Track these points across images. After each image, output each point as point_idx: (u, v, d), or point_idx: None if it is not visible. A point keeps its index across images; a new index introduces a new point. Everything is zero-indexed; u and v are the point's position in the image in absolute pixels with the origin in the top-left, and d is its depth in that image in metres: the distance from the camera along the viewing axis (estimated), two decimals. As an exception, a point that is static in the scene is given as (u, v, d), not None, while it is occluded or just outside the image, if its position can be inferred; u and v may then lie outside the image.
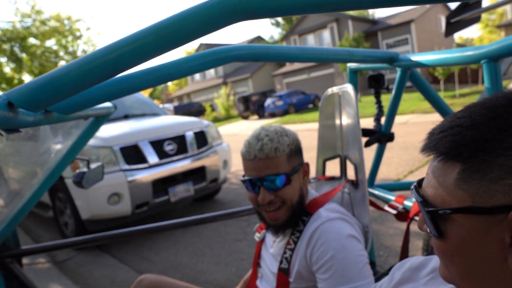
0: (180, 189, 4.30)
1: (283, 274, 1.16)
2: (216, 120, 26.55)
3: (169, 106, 27.47)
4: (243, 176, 1.19)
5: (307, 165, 1.23)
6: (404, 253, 1.39)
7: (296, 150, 1.19)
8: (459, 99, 13.80)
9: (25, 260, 1.69)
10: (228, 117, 28.08)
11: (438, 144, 0.51)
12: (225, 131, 17.45)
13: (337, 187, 1.32)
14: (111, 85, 0.84)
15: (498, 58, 1.26)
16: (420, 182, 0.58)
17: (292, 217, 1.17)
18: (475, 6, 1.55)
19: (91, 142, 3.79)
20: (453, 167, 0.49)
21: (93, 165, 1.56)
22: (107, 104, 1.36)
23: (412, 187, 0.58)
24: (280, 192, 1.14)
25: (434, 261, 0.71)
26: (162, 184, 4.19)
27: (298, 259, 1.14)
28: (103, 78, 0.59)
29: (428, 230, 0.54)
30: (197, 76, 39.12)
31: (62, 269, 3.67)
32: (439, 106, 1.74)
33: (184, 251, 3.77)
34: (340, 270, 1.05)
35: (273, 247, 1.27)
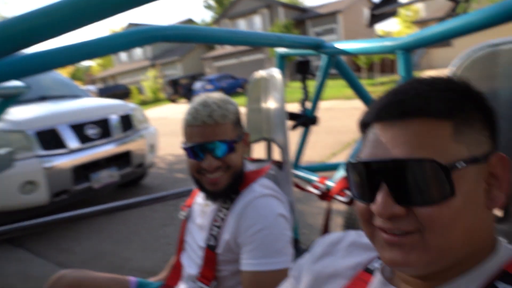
0: (104, 174, 4.09)
1: (210, 250, 1.18)
2: (143, 103, 25.52)
3: (92, 88, 25.78)
4: (185, 143, 1.18)
5: (247, 135, 1.26)
6: (325, 230, 1.48)
7: (239, 119, 1.22)
8: (379, 87, 14.80)
9: None
10: (155, 101, 27.15)
11: (426, 105, 0.52)
12: (153, 114, 16.88)
13: (266, 166, 1.36)
14: (21, 61, 0.76)
15: (411, 49, 1.38)
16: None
17: (232, 185, 1.19)
18: (394, 1, 1.66)
19: (0, 125, 3.43)
20: (445, 125, 0.51)
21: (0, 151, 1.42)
22: (17, 83, 1.24)
23: (394, 159, 0.52)
24: (226, 158, 1.15)
25: (352, 235, 0.76)
26: (84, 170, 3.95)
27: (227, 233, 1.15)
28: (9, 51, 0.53)
29: (422, 199, 0.50)
30: (123, 57, 37.14)
31: (-33, 265, 3.32)
32: (360, 92, 1.86)
33: (109, 239, 3.63)
34: (263, 244, 1.08)
35: (201, 217, 1.27)
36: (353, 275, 0.69)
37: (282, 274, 1.06)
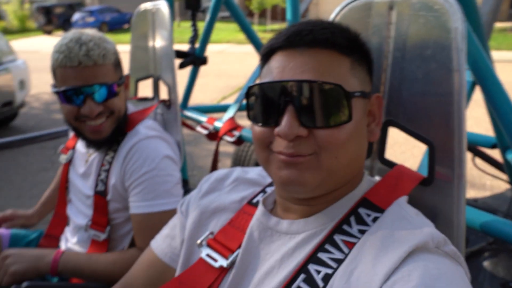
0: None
1: (100, 196, 1.12)
2: (7, 31, 21.76)
3: None
4: (56, 86, 1.03)
5: (128, 78, 1.17)
6: (214, 168, 1.52)
7: (119, 59, 1.11)
8: (270, 34, 15.06)
9: None
10: (23, 30, 23.43)
11: (332, 37, 0.56)
12: (21, 46, 14.66)
13: (152, 106, 1.30)
14: None
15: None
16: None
17: (116, 130, 1.11)
18: None
19: None
20: (344, 59, 0.57)
21: None
22: None
23: (304, 80, 0.55)
24: (109, 102, 1.05)
25: (237, 172, 0.79)
26: None
27: (114, 177, 1.10)
28: None
29: (325, 122, 0.54)
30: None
31: None
32: (250, 35, 1.86)
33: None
34: (150, 186, 1.07)
35: (85, 166, 1.18)
36: (238, 208, 0.73)
37: (171, 215, 1.07)
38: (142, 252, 0.89)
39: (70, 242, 1.20)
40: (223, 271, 0.66)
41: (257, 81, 0.60)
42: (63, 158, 1.27)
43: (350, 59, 0.57)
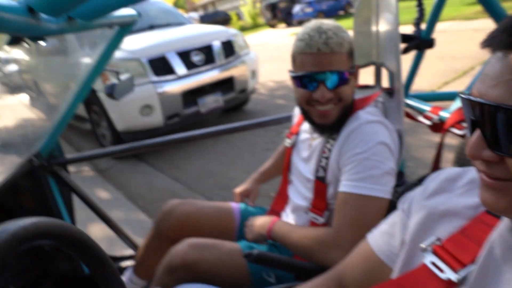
0: (209, 99, 4.33)
1: (320, 182, 1.18)
2: (243, 29, 25.56)
3: (195, 15, 26.47)
4: (294, 71, 1.13)
5: (358, 68, 1.17)
6: (436, 165, 1.38)
7: (352, 49, 1.13)
8: None
9: (71, 169, 1.83)
10: (255, 26, 26.96)
11: None
12: (252, 40, 16.87)
13: (374, 94, 1.27)
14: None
15: None
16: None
17: (342, 118, 1.14)
18: None
19: (119, 55, 3.77)
20: None
21: (122, 77, 1.56)
22: (131, 11, 1.30)
23: (486, 102, 0.45)
24: (339, 89, 1.09)
25: (471, 172, 0.69)
26: (191, 95, 4.22)
27: (333, 161, 1.14)
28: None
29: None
30: (222, -19, 36.90)
31: (104, 176, 3.95)
32: (491, 6, 1.57)
33: (216, 160, 3.93)
34: (358, 167, 1.05)
35: (308, 151, 1.26)
36: (474, 215, 0.63)
37: (373, 202, 1.04)
38: (335, 232, 1.00)
39: (289, 218, 1.32)
40: (451, 285, 0.59)
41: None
42: (288, 142, 1.38)
43: None
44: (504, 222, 0.56)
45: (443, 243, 0.62)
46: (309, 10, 20.85)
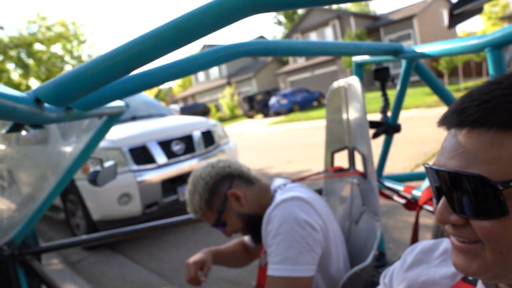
0: (189, 188, 4.34)
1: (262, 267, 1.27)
2: (221, 120, 26.66)
3: (176, 106, 27.63)
4: None
5: (232, 192, 1.27)
6: (414, 241, 1.42)
7: (211, 193, 1.28)
8: (464, 92, 13.70)
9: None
10: (233, 117, 28.15)
11: (486, 115, 0.47)
12: (231, 130, 17.49)
13: (307, 177, 1.42)
14: (129, 81, 0.88)
15: (502, 45, 1.29)
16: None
17: (253, 231, 1.30)
18: (476, -3, 1.56)
19: (100, 144, 3.83)
20: (508, 136, 0.46)
21: (106, 164, 1.60)
22: (120, 102, 1.40)
23: (446, 170, 0.50)
24: (227, 230, 1.30)
25: (445, 243, 0.73)
26: (171, 184, 4.24)
27: (264, 244, 1.22)
28: (126, 72, 0.63)
29: (476, 213, 0.48)
30: (201, 77, 39.23)
31: (75, 269, 3.73)
32: (445, 96, 1.77)
33: (195, 249, 3.82)
34: (277, 250, 1.10)
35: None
36: (451, 284, 0.66)
37: (294, 282, 1.07)
38: None
39: None
40: None
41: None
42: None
43: None
44: (479, 287, 0.59)
45: None
46: (284, 102, 22.12)
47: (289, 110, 21.84)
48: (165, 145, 4.29)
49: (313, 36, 28.03)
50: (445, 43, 1.51)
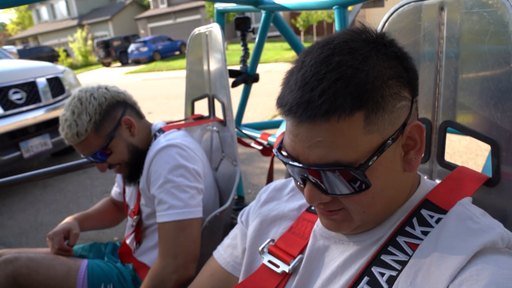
0: (35, 142, 3.84)
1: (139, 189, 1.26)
2: (73, 67, 23.74)
3: (12, 48, 23.38)
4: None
5: (126, 119, 1.22)
6: (269, 182, 1.54)
7: (104, 115, 1.17)
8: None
9: None
10: (86, 64, 25.46)
11: (332, 105, 0.49)
12: (85, 79, 15.88)
13: (183, 123, 1.42)
14: None
15: (347, 5, 1.43)
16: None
17: (136, 165, 1.25)
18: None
19: None
20: (357, 118, 0.49)
21: None
22: None
23: (300, 166, 0.53)
24: (109, 160, 1.21)
25: (293, 181, 0.82)
26: (11, 139, 3.67)
27: (141, 182, 1.22)
28: None
29: (345, 193, 0.54)
30: (45, 15, 33.92)
31: None
32: (299, 49, 1.90)
33: (46, 210, 3.47)
34: (167, 196, 1.13)
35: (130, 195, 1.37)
36: (297, 215, 0.75)
37: (189, 224, 1.13)
38: (162, 261, 1.09)
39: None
40: (286, 276, 0.68)
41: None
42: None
43: (363, 111, 0.49)
44: None
45: (276, 243, 0.72)
46: (145, 49, 20.90)
47: (149, 59, 20.78)
48: (0, 94, 3.65)
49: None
50: (299, -2, 1.60)
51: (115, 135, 1.18)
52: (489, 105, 0.61)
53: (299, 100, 0.51)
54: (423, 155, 0.61)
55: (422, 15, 0.70)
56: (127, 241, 1.33)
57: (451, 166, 0.69)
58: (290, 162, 0.55)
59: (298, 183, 0.59)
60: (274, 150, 0.61)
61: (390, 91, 0.51)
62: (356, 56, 0.50)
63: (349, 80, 0.49)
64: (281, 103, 0.54)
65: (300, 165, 0.53)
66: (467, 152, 3.58)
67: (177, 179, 1.13)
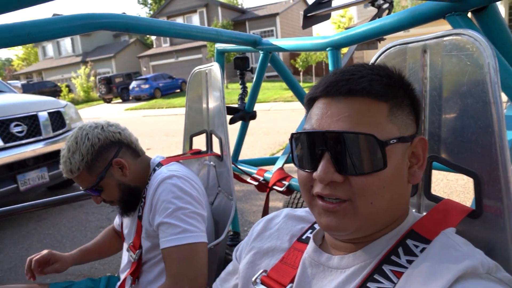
0: (32, 175, 3.84)
1: (139, 221, 1.24)
2: (74, 102, 24.05)
3: (16, 83, 23.83)
4: None
5: (117, 161, 1.24)
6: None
7: (95, 156, 1.20)
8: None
9: None
10: (88, 100, 25.83)
11: (369, 86, 0.58)
12: (86, 115, 16.05)
13: (180, 156, 1.44)
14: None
15: (340, 47, 1.50)
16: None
17: (128, 203, 1.27)
18: (327, 5, 1.77)
19: None
20: (382, 105, 0.58)
21: None
22: None
23: (336, 131, 0.57)
24: (102, 196, 1.24)
25: (285, 211, 0.84)
26: (9, 171, 3.68)
27: (146, 220, 1.21)
28: None
29: (359, 170, 0.56)
30: (50, 51, 34.80)
31: None
32: (298, 92, 1.96)
33: (38, 244, 3.41)
34: (176, 222, 1.13)
35: (129, 227, 1.35)
36: (289, 246, 0.76)
37: (197, 247, 1.13)
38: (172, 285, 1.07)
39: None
40: None
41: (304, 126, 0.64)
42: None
43: (388, 105, 0.59)
44: (310, 245, 0.70)
45: (268, 273, 0.73)
46: (146, 86, 21.26)
47: (150, 96, 21.11)
48: (1, 126, 3.69)
49: (179, 22, 27.53)
50: (296, 40, 1.68)
51: (105, 175, 1.21)
52: (470, 141, 0.64)
53: (339, 78, 0.60)
54: (423, 170, 0.64)
55: (407, 56, 0.75)
56: (122, 278, 1.31)
57: (437, 199, 0.71)
58: (315, 130, 0.59)
59: (309, 166, 0.61)
60: (293, 132, 0.65)
61: (407, 101, 0.62)
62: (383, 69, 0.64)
63: (384, 77, 0.60)
64: (316, 87, 0.63)
65: (325, 130, 0.58)
66: (464, 192, 3.59)
67: (186, 205, 1.15)
